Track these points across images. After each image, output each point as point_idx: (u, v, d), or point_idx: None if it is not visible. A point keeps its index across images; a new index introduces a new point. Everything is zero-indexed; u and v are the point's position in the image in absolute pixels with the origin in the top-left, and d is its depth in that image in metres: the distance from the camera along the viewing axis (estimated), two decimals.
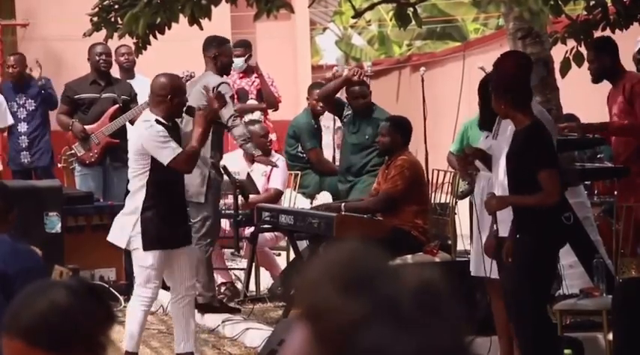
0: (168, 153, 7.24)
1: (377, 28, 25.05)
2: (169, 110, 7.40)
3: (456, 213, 10.05)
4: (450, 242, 9.80)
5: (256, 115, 11.62)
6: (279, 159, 10.33)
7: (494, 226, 6.79)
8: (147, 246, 7.27)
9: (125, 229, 7.42)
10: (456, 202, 10.07)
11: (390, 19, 19.81)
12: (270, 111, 11.96)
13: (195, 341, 7.63)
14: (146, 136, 7.32)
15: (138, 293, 7.45)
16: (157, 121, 7.33)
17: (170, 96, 7.37)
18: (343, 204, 8.97)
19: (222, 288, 9.75)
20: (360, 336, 1.44)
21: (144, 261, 7.32)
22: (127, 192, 7.96)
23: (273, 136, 11.95)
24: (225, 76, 9.23)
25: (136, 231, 7.30)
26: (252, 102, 11.74)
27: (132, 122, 10.41)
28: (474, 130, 8.97)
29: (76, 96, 10.69)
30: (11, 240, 5.27)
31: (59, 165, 11.23)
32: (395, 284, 1.49)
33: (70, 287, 2.27)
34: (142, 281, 7.28)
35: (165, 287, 7.95)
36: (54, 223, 8.60)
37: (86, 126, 10.54)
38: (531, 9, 5.57)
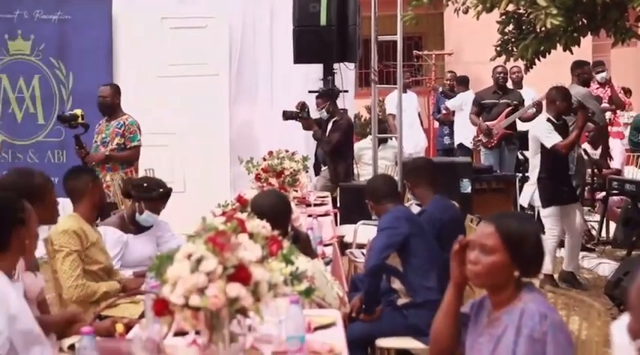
0: (550, 141, 7.10)
1: None
2: (557, 111, 7.20)
3: None
4: None
5: (607, 115, 11.03)
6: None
7: None
8: (544, 204, 7.20)
9: (526, 194, 7.41)
10: None
11: None
12: (618, 111, 11.28)
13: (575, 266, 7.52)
14: (538, 127, 7.26)
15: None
16: (548, 119, 7.19)
17: (558, 103, 7.19)
18: None
19: (583, 235, 9.32)
20: None
21: (544, 214, 7.20)
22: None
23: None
24: (585, 87, 8.84)
25: (536, 195, 7.25)
26: (605, 105, 11.12)
27: (520, 119, 10.19)
28: None
29: (482, 102, 10.60)
30: (441, 197, 5.26)
31: (470, 147, 11.21)
32: None
33: None
34: None
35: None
36: (466, 186, 8.52)
37: (488, 123, 10.42)
38: None
